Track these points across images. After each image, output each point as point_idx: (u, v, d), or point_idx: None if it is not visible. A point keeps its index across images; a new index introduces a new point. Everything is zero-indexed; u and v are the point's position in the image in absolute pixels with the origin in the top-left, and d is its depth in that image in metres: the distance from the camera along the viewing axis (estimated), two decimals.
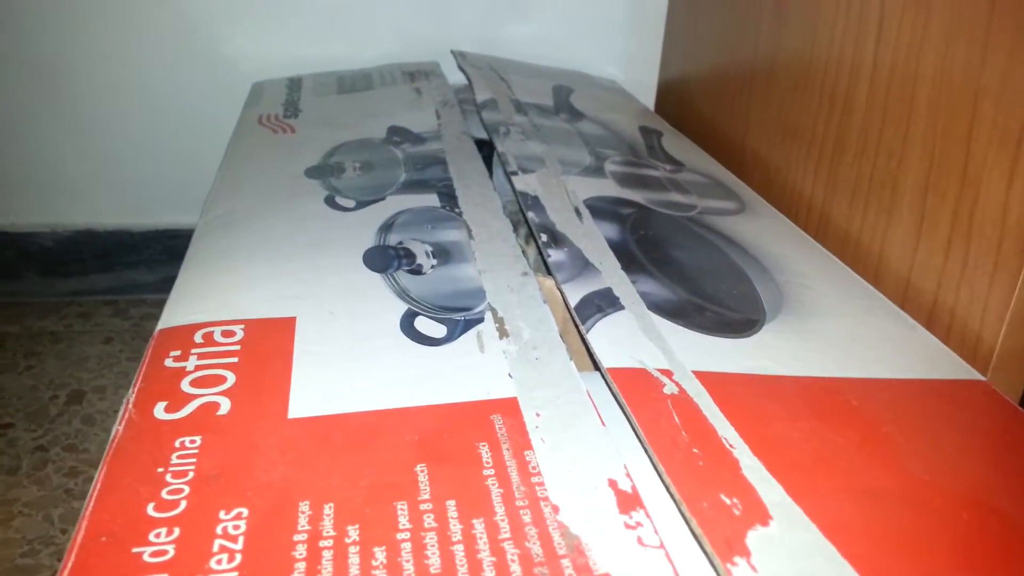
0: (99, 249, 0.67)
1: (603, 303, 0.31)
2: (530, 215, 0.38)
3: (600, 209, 0.40)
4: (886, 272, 0.38)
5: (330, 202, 0.40)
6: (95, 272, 0.68)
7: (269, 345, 0.28)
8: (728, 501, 0.21)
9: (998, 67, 0.31)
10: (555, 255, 0.35)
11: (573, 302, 0.31)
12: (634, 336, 0.29)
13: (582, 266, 0.34)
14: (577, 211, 0.39)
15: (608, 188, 0.43)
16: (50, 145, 0.65)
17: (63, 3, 0.60)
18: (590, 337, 0.29)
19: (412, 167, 0.44)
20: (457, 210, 0.39)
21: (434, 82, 0.59)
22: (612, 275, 0.33)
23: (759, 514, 0.21)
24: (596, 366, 0.28)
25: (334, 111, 0.54)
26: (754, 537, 0.20)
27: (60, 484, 0.48)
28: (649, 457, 0.23)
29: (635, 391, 0.25)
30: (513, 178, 0.42)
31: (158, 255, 0.68)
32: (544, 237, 0.36)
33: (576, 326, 0.30)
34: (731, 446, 0.23)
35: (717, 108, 0.57)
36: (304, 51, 0.65)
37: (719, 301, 0.32)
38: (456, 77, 0.61)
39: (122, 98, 0.64)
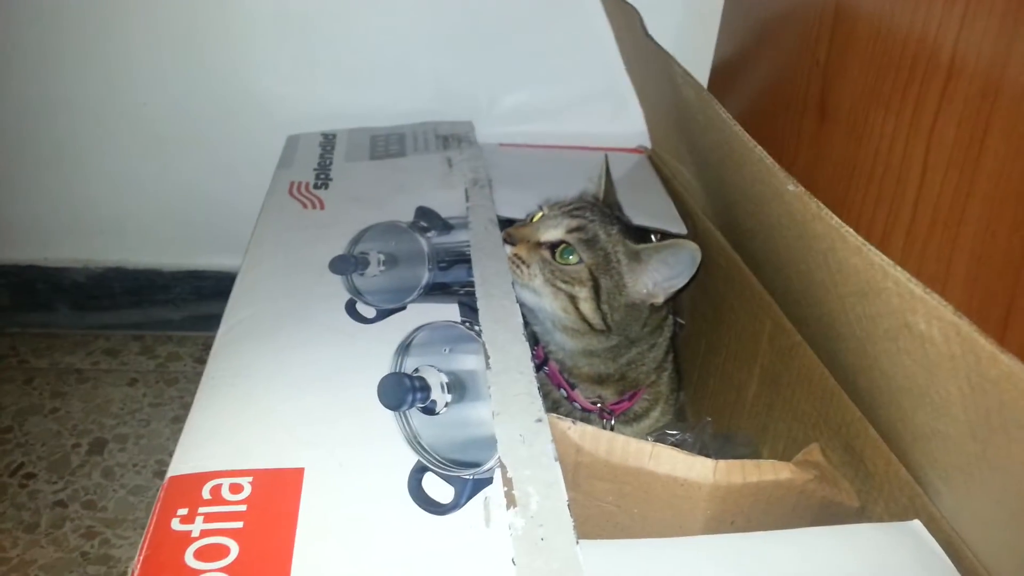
0: (129, 286, 0.68)
1: None
2: None
3: None
4: None
5: (351, 309, 0.40)
6: (124, 308, 0.69)
7: (275, 506, 0.28)
8: None
9: None
10: None
11: None
12: None
13: None
14: None
15: None
16: (82, 185, 0.66)
17: (102, 49, 0.61)
18: None
19: (436, 264, 0.44)
20: (477, 328, 0.39)
21: (466, 151, 0.58)
22: None
23: None
24: None
25: (364, 182, 0.54)
26: None
27: (77, 546, 0.49)
28: None
29: None
30: None
31: (186, 295, 0.69)
32: None
33: None
34: None
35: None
36: (341, 100, 0.65)
37: None
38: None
39: (155, 143, 0.65)
